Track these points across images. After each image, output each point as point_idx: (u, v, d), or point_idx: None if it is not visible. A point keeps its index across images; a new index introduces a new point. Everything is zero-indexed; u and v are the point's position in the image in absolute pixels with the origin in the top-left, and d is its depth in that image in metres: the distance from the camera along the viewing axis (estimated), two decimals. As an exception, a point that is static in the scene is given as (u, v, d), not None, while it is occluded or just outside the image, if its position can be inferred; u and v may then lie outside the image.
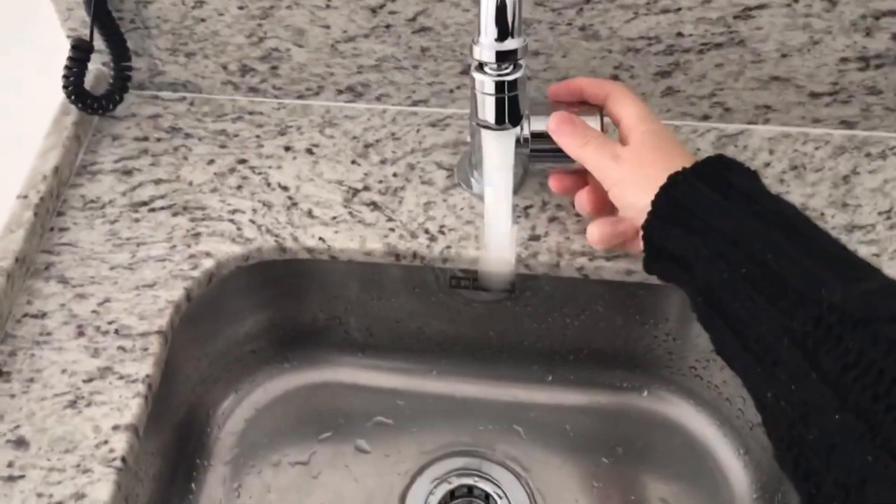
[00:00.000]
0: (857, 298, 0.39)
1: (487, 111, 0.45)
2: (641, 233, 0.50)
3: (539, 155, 0.61)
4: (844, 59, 0.63)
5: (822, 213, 0.63)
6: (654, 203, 0.49)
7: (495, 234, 0.56)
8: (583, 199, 0.58)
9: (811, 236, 0.45)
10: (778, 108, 0.67)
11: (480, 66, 0.45)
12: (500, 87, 0.44)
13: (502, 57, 0.44)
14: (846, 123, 0.67)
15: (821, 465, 0.38)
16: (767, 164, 0.66)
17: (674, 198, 0.48)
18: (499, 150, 0.47)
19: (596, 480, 0.70)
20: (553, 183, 0.60)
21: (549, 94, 0.59)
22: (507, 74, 0.44)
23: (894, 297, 0.40)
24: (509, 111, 0.45)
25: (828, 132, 0.68)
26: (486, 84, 0.44)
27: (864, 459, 0.36)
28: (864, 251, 0.61)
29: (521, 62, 0.44)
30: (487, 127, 0.46)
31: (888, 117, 0.66)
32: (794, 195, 0.64)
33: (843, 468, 0.37)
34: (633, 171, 0.51)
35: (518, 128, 0.47)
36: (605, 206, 0.57)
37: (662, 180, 0.49)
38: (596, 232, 0.56)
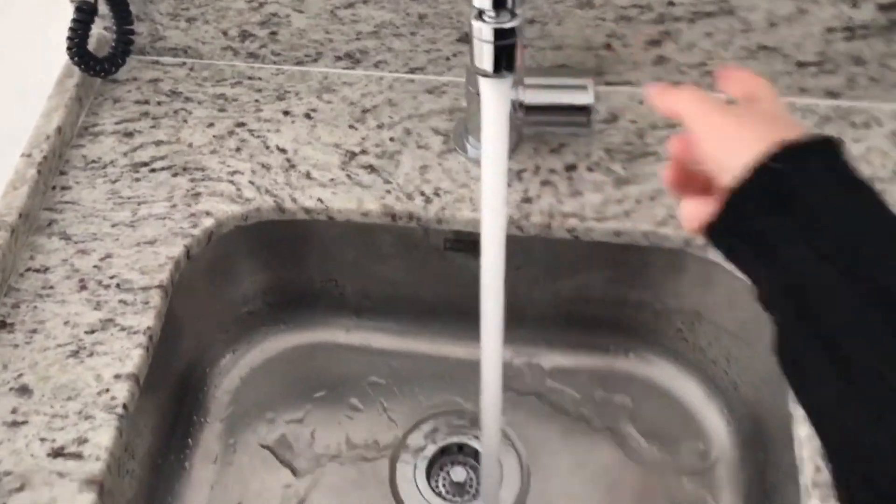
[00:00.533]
0: None
1: (485, 59, 0.47)
2: (725, 197, 0.41)
3: (534, 118, 0.63)
4: (831, 29, 0.64)
5: (807, 179, 0.65)
6: (751, 170, 0.39)
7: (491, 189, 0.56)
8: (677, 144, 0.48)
9: None
10: (765, 78, 0.68)
11: (479, 15, 0.46)
12: (498, 34, 0.46)
13: (499, 4, 0.46)
14: (832, 94, 0.69)
15: None
16: (755, 132, 0.68)
17: (779, 171, 0.39)
18: (496, 99, 0.49)
19: (581, 440, 0.72)
20: (674, 143, 0.48)
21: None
22: (504, 22, 0.46)
23: None
24: (506, 59, 0.47)
25: (814, 102, 0.70)
26: (484, 31, 0.46)
27: None
28: (846, 215, 0.63)
29: (517, 12, 0.46)
30: (485, 75, 0.48)
31: (872, 87, 0.68)
32: (780, 161, 0.66)
33: None
34: (735, 124, 0.42)
35: (513, 78, 0.49)
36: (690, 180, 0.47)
37: (767, 143, 0.40)
38: (687, 211, 0.45)
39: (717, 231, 0.42)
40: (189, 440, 0.71)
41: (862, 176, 0.39)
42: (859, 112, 0.69)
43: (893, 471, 0.34)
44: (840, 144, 0.40)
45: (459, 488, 0.70)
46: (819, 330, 0.37)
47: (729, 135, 0.42)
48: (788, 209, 0.38)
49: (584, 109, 0.62)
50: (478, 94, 0.52)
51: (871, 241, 0.37)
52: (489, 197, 0.52)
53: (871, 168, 0.65)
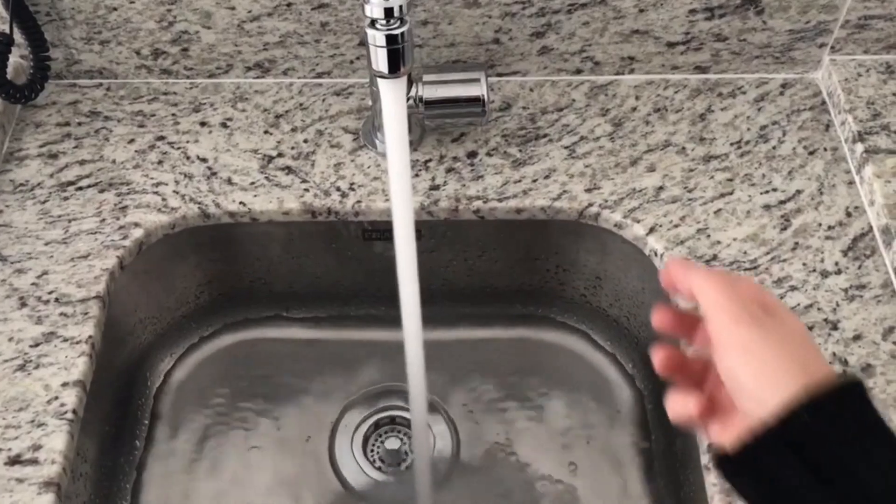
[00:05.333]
0: None
1: (381, 62, 0.53)
2: (749, 430, 0.39)
3: (433, 112, 0.68)
4: (693, 11, 0.71)
5: (684, 148, 0.72)
6: (781, 418, 0.38)
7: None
8: (662, 317, 0.47)
9: None
10: (640, 59, 0.75)
11: (372, 23, 0.52)
12: (390, 39, 0.52)
13: (389, 13, 0.51)
14: (700, 68, 0.76)
15: None
16: (634, 109, 0.75)
17: (807, 424, 0.38)
18: (394, 97, 0.54)
19: (502, 405, 0.78)
20: (659, 318, 0.47)
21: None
22: (394, 28, 0.52)
23: None
24: (400, 60, 0.53)
25: (685, 77, 0.77)
26: (377, 38, 0.52)
27: None
28: (719, 177, 0.70)
29: (405, 18, 0.52)
30: (382, 76, 0.53)
31: (735, 61, 0.75)
32: (659, 133, 0.73)
33: None
34: (763, 347, 0.40)
35: (408, 77, 0.54)
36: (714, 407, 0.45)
37: (797, 382, 0.39)
38: (678, 404, 0.44)
39: (732, 465, 0.41)
40: (136, 441, 0.75)
41: (881, 417, 0.39)
42: (726, 84, 0.76)
43: None
44: (862, 387, 0.39)
45: (395, 457, 0.76)
46: None
47: (760, 361, 0.40)
48: (813, 462, 0.38)
49: (478, 100, 0.68)
50: (377, 76, 0.57)
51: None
52: (396, 186, 0.57)
53: (739, 133, 0.73)
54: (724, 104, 0.75)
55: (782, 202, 0.69)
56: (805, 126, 0.73)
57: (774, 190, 0.70)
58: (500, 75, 0.77)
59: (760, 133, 0.73)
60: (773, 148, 0.72)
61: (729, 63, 0.76)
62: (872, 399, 0.39)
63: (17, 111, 0.76)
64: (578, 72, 0.77)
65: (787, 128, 0.73)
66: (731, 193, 0.69)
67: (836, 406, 0.38)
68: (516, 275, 0.78)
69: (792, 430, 0.38)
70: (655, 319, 0.46)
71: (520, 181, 0.71)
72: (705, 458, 0.59)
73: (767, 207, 0.69)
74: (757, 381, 0.39)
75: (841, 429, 0.38)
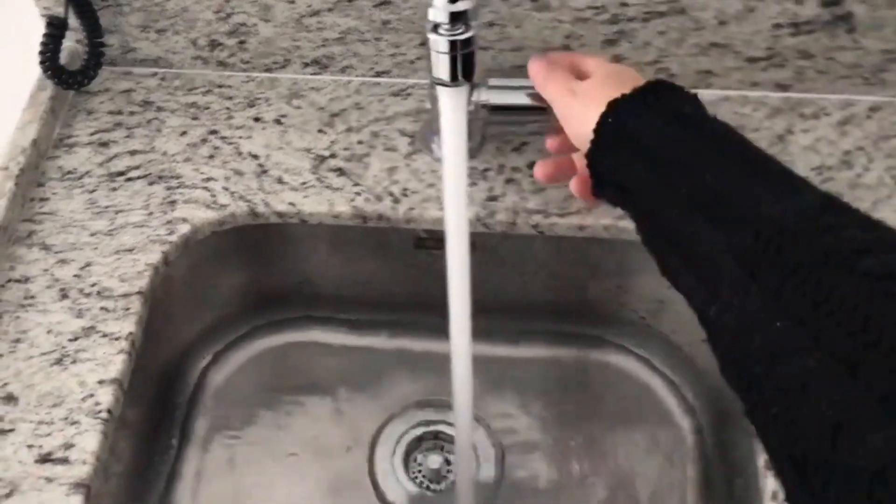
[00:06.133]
0: (794, 212, 0.41)
1: (441, 69, 0.49)
2: (586, 161, 0.51)
3: (496, 119, 0.65)
4: (777, 25, 0.67)
5: (759, 170, 0.68)
6: (595, 131, 0.49)
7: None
8: (553, 142, 0.61)
9: (750, 156, 0.46)
10: (718, 73, 0.71)
11: (435, 28, 0.49)
12: (452, 45, 0.49)
13: (454, 18, 0.48)
14: (781, 86, 0.72)
15: (763, 372, 0.39)
16: (709, 126, 0.71)
17: (614, 124, 0.49)
18: (454, 106, 0.51)
19: (553, 427, 0.75)
20: (537, 171, 0.61)
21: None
22: (459, 34, 0.49)
23: (829, 209, 0.42)
24: (462, 68, 0.49)
25: (765, 94, 0.72)
26: (439, 43, 0.49)
27: (805, 363, 0.37)
28: (797, 204, 0.66)
29: (471, 23, 0.49)
30: (442, 84, 0.50)
31: (819, 80, 0.71)
32: (734, 154, 0.69)
33: (784, 373, 0.38)
34: (583, 104, 0.52)
35: (470, 85, 0.51)
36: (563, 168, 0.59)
37: (603, 106, 0.49)
38: (539, 168, 0.59)
39: (594, 192, 0.52)
40: (173, 441, 0.73)
41: (682, 107, 0.48)
42: (808, 104, 0.72)
43: (728, 331, 0.42)
44: (664, 84, 0.49)
45: (436, 475, 0.73)
46: (671, 243, 0.46)
47: (578, 113, 0.52)
48: (630, 151, 0.48)
49: (543, 110, 0.65)
50: (436, 83, 0.54)
51: (690, 154, 0.46)
52: (451, 198, 0.54)
53: (820, 157, 0.68)
54: (806, 126, 0.71)
55: (864, 234, 0.64)
56: (893, 154, 0.68)
57: (856, 220, 0.65)
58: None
59: (843, 159, 0.68)
60: (857, 176, 0.67)
61: (813, 82, 0.71)
62: (677, 91, 0.49)
63: (70, 97, 0.74)
64: (651, 84, 0.73)
65: (873, 154, 0.68)
66: (808, 222, 0.65)
67: (630, 103, 0.48)
68: (573, 293, 0.74)
69: (606, 136, 0.49)
70: (537, 172, 0.60)
71: (583, 196, 0.67)
72: (768, 494, 0.56)
73: (848, 239, 0.64)
74: (581, 127, 0.50)
75: (642, 117, 0.48)
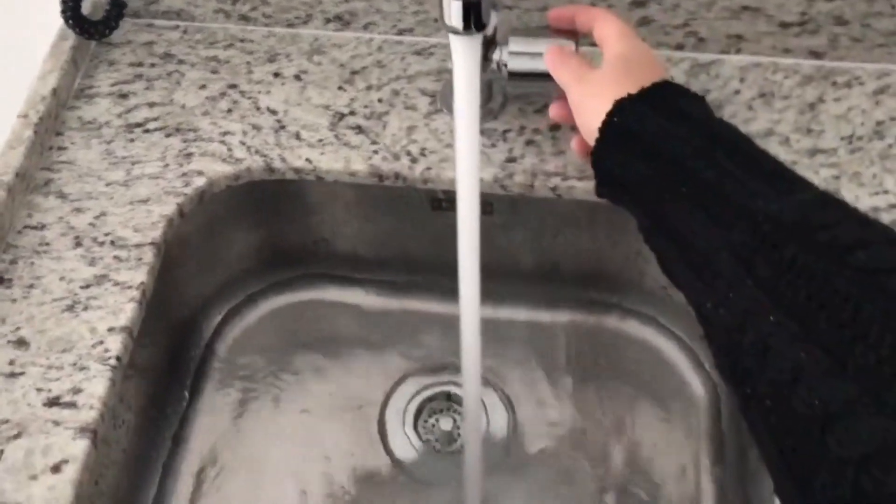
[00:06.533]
0: (791, 209, 0.42)
1: (454, 15, 0.48)
2: (591, 158, 0.52)
3: (517, 78, 0.63)
4: (812, -11, 0.65)
5: (788, 138, 0.66)
6: (600, 130, 0.50)
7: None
8: (555, 111, 0.61)
9: (750, 154, 0.47)
10: (749, 38, 0.69)
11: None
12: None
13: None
14: (815, 54, 0.69)
15: (756, 366, 0.40)
16: (737, 92, 0.69)
17: (618, 125, 0.49)
18: (466, 57, 0.50)
19: (566, 393, 0.74)
20: (552, 110, 0.61)
21: (549, 19, 0.62)
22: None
23: (826, 206, 0.42)
24: (474, 16, 0.48)
25: (797, 62, 0.70)
26: (451, -13, 0.47)
27: (797, 356, 0.38)
28: (825, 173, 0.64)
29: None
30: (455, 31, 0.49)
31: (854, 48, 0.68)
32: (761, 121, 0.67)
33: (777, 367, 0.39)
34: (592, 94, 0.52)
35: (482, 35, 0.49)
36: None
37: (610, 104, 0.50)
38: (554, 108, 0.60)
39: (597, 190, 0.53)
40: (185, 393, 0.74)
41: (686, 107, 0.49)
42: (842, 72, 0.69)
43: (723, 325, 0.42)
44: (670, 86, 0.50)
45: (448, 436, 0.73)
46: (671, 239, 0.47)
47: (588, 105, 0.52)
48: (633, 150, 0.48)
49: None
50: (449, 31, 0.52)
51: (691, 152, 0.46)
52: (463, 153, 0.53)
53: (851, 126, 0.66)
54: (838, 94, 0.68)
55: (893, 206, 0.62)
56: (928, 125, 0.66)
57: (885, 192, 0.63)
58: (593, 44, 0.71)
59: (876, 129, 0.66)
60: (889, 146, 0.65)
61: (848, 50, 0.69)
62: (682, 92, 0.50)
63: (92, 47, 0.74)
64: (680, 47, 0.71)
65: (906, 126, 0.66)
66: (836, 192, 0.63)
67: (634, 105, 0.49)
68: (592, 258, 0.73)
69: (610, 135, 0.49)
70: (552, 111, 0.60)
71: (603, 160, 0.65)
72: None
73: (876, 210, 0.62)
74: (590, 120, 0.51)
75: (646, 116, 0.48)
